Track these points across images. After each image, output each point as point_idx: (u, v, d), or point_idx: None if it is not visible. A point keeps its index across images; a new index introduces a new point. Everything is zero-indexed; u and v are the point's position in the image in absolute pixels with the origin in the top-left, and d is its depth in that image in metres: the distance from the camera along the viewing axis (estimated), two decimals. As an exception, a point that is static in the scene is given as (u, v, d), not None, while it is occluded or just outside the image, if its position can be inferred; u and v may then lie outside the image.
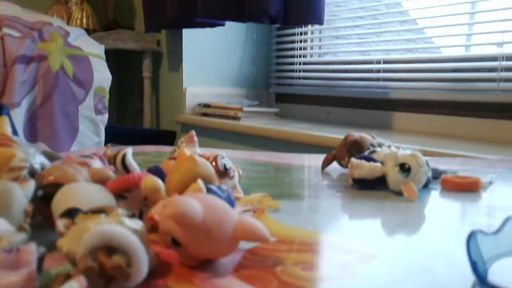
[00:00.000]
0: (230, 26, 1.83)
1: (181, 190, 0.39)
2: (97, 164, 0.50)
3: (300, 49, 1.89)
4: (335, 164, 0.67)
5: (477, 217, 0.45)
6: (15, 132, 1.11)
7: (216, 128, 1.71)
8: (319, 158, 0.71)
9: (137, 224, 0.30)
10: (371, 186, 0.55)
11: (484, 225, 0.42)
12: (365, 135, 0.65)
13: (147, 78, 1.96)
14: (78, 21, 2.01)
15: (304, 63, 1.86)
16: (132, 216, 0.31)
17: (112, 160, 0.48)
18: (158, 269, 0.31)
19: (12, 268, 0.24)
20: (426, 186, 0.55)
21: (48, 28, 1.46)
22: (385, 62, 1.55)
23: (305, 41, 1.88)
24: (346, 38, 1.78)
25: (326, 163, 0.67)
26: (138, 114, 2.12)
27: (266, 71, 2.04)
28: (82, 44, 1.50)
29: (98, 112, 1.48)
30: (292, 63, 1.91)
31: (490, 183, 0.59)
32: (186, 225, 0.30)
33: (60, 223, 0.30)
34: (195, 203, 0.30)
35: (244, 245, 0.35)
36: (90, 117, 1.46)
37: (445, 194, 0.54)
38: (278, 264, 0.32)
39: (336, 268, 0.32)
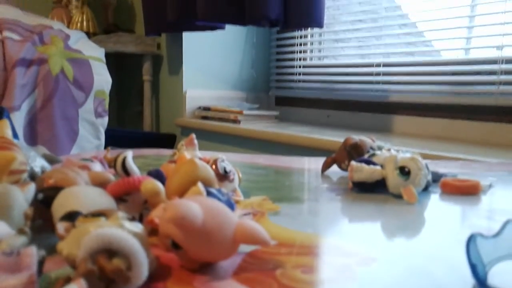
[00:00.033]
0: (230, 30, 1.83)
1: (181, 193, 0.39)
2: (97, 167, 0.50)
3: (300, 52, 1.89)
4: (335, 167, 0.67)
5: (477, 220, 0.45)
6: (15, 135, 1.11)
7: (216, 131, 1.71)
8: (319, 161, 0.71)
9: (137, 227, 0.30)
10: (371, 189, 0.55)
11: (484, 228, 0.42)
12: (365, 138, 0.65)
13: (147, 81, 1.97)
14: (79, 24, 2.01)
15: (304, 66, 1.87)
16: (132, 219, 0.31)
17: (112, 163, 0.48)
18: (158, 272, 0.31)
19: (13, 271, 0.24)
20: (426, 189, 0.55)
21: (49, 32, 1.46)
22: (385, 65, 1.56)
23: (305, 44, 1.88)
24: (346, 41, 1.78)
25: (326, 166, 0.67)
26: (138, 117, 2.13)
27: (266, 74, 2.05)
28: (83, 48, 1.50)
29: (98, 115, 1.48)
30: (292, 66, 1.91)
31: (490, 186, 0.59)
32: (186, 228, 0.30)
33: (61, 226, 0.30)
34: (195, 206, 0.30)
35: (244, 248, 0.35)
36: (90, 120, 1.46)
37: (445, 197, 0.54)
38: (278, 267, 0.32)
39: (336, 271, 0.32)
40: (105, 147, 1.47)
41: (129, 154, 0.45)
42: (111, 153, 0.66)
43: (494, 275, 0.30)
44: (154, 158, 0.78)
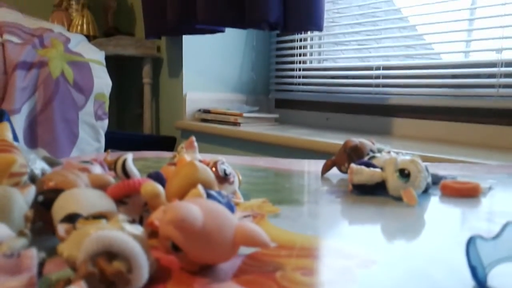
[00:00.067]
0: (230, 33, 1.84)
1: (181, 196, 0.39)
2: (97, 169, 0.50)
3: (300, 55, 1.89)
4: (334, 170, 0.67)
5: (476, 223, 0.45)
6: (15, 138, 1.11)
7: (216, 134, 1.71)
8: (319, 163, 0.71)
9: (138, 229, 0.30)
10: (371, 192, 0.55)
11: (483, 230, 0.42)
12: (365, 141, 0.65)
13: (147, 84, 1.97)
14: (79, 27, 2.02)
15: (304, 69, 1.87)
16: (132, 221, 0.31)
17: (112, 166, 0.48)
18: (158, 274, 0.31)
19: (13, 273, 0.25)
20: (425, 191, 0.55)
21: (49, 35, 1.46)
22: (385, 68, 1.56)
23: (305, 47, 1.89)
24: (345, 44, 1.79)
25: (325, 169, 0.67)
26: (138, 120, 2.13)
27: (266, 77, 2.05)
28: (83, 50, 1.51)
29: (98, 118, 1.48)
30: (292, 69, 1.92)
31: (490, 188, 0.59)
32: (186, 231, 0.30)
33: (61, 228, 0.30)
34: (195, 208, 0.30)
35: (244, 250, 0.35)
36: (90, 123, 1.47)
37: (445, 200, 0.54)
38: (278, 269, 0.32)
39: (336, 274, 0.32)
40: (105, 150, 1.47)
41: (129, 156, 0.45)
42: (111, 155, 0.66)
43: (494, 277, 0.30)
44: (154, 160, 0.78)
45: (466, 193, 0.55)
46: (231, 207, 0.39)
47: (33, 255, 0.26)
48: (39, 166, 0.47)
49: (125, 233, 0.28)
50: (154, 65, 2.01)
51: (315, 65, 1.86)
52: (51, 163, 0.54)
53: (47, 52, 1.40)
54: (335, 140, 1.27)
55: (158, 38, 1.95)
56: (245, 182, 0.61)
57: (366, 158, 0.60)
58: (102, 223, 0.30)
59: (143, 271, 0.27)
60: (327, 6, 1.67)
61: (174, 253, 0.31)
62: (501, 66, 1.24)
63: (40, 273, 0.26)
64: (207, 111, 1.81)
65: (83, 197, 0.36)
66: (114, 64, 2.15)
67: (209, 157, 0.52)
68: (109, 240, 0.26)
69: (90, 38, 1.95)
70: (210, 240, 0.30)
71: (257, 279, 0.31)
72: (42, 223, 0.38)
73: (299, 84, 1.88)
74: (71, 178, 0.40)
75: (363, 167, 0.55)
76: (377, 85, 1.57)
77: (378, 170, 0.55)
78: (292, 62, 1.92)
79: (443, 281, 0.31)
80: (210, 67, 1.92)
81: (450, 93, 1.36)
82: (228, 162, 0.52)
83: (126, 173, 0.44)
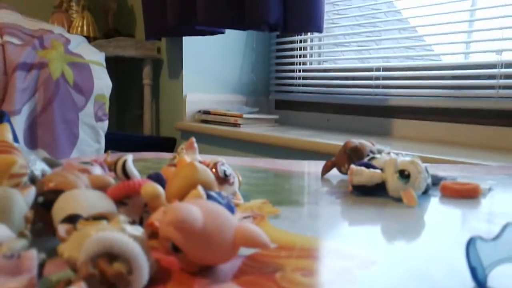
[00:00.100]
0: (230, 34, 1.84)
1: (181, 197, 0.39)
2: (97, 170, 0.50)
3: (300, 56, 1.90)
4: (334, 171, 0.67)
5: (476, 224, 0.45)
6: (15, 139, 1.11)
7: (216, 135, 1.71)
8: (319, 164, 0.71)
9: (138, 230, 0.30)
10: (371, 193, 0.55)
11: (483, 231, 0.42)
12: (365, 142, 0.65)
13: (147, 85, 1.97)
14: (79, 28, 2.02)
15: (304, 71, 1.87)
16: (132, 222, 0.31)
17: (112, 167, 0.48)
18: (159, 275, 0.31)
19: (13, 274, 0.25)
20: (425, 192, 0.55)
21: (49, 36, 1.47)
22: (385, 69, 1.56)
23: (305, 48, 1.89)
24: (345, 45, 1.79)
25: (325, 170, 0.67)
26: (138, 121, 2.13)
27: (266, 78, 2.05)
28: (83, 52, 1.51)
29: (98, 119, 1.48)
30: (292, 71, 1.92)
31: (490, 189, 0.59)
32: (186, 232, 0.30)
33: (62, 229, 0.30)
34: (195, 209, 0.30)
35: (244, 251, 0.35)
36: (90, 124, 1.47)
37: (445, 201, 0.54)
38: (278, 270, 0.32)
39: (335, 274, 0.32)
40: (105, 151, 1.47)
41: (129, 157, 0.45)
42: (111, 156, 0.66)
43: (493, 278, 0.30)
44: (154, 161, 0.78)
45: (466, 194, 0.55)
46: (231, 208, 0.39)
47: (33, 256, 0.26)
48: (39, 167, 0.47)
49: (125, 234, 0.28)
50: (154, 66, 2.01)
51: (315, 66, 1.86)
52: (51, 164, 0.54)
53: (47, 54, 1.40)
54: (335, 141, 1.27)
55: (158, 39, 1.95)
56: (245, 183, 0.61)
57: (366, 159, 0.60)
58: (103, 224, 0.30)
59: (144, 272, 0.27)
60: (327, 7, 1.67)
61: (174, 254, 0.31)
62: (501, 67, 1.24)
63: (40, 274, 0.26)
64: (207, 112, 1.81)
65: (83, 198, 0.36)
66: (114, 65, 2.15)
67: (209, 158, 0.52)
68: (110, 241, 0.26)
69: (90, 39, 1.96)
70: (210, 241, 0.30)
71: (257, 280, 0.31)
72: (42, 224, 0.38)
73: (299, 85, 1.88)
74: (71, 179, 0.40)
75: (363, 168, 0.55)
76: (377, 86, 1.57)
77: (378, 171, 0.55)
78: (292, 63, 1.92)
79: (443, 282, 0.31)
80: (210, 68, 1.93)
81: (450, 94, 1.36)
82: (228, 163, 0.52)
83: (126, 174, 0.44)
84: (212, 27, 1.67)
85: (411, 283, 0.30)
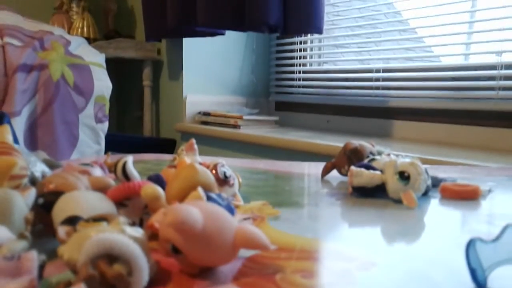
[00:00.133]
0: (230, 35, 1.84)
1: (181, 198, 0.39)
2: (97, 172, 0.50)
3: (300, 57, 1.90)
4: (334, 172, 0.67)
5: (476, 225, 0.45)
6: (16, 140, 1.11)
7: (216, 136, 1.71)
8: (319, 166, 0.71)
9: (138, 232, 0.30)
10: (371, 194, 0.55)
11: (483, 233, 0.42)
12: (365, 143, 0.65)
13: (147, 87, 1.97)
14: (79, 30, 2.02)
15: (304, 72, 1.87)
16: (132, 224, 0.31)
17: (112, 168, 0.48)
18: (159, 277, 0.31)
19: (13, 275, 0.25)
20: (425, 194, 0.55)
21: (49, 37, 1.47)
22: (385, 70, 1.56)
23: (305, 50, 1.89)
24: (345, 47, 1.79)
25: (325, 171, 0.67)
26: (138, 123, 2.13)
27: (266, 79, 2.05)
28: (83, 53, 1.51)
29: (98, 120, 1.48)
30: (292, 72, 1.92)
31: (489, 191, 0.59)
32: (186, 233, 0.30)
33: (62, 230, 0.30)
34: (195, 211, 0.30)
35: (244, 253, 0.35)
36: (91, 125, 1.47)
37: (445, 202, 0.54)
38: (278, 272, 0.32)
39: (335, 276, 0.32)
40: (105, 152, 1.47)
41: (129, 159, 0.45)
42: (111, 158, 0.66)
43: (493, 280, 0.30)
44: (154, 163, 0.78)
45: (466, 196, 0.55)
46: (231, 210, 0.39)
47: (34, 257, 0.26)
48: (39, 168, 0.47)
49: (125, 236, 0.28)
50: (154, 67, 2.01)
51: (315, 67, 1.86)
52: (51, 165, 0.54)
53: (47, 55, 1.40)
54: (335, 142, 1.27)
55: (158, 40, 1.95)
56: (245, 185, 0.61)
57: (366, 161, 0.60)
58: (103, 226, 0.30)
59: (143, 274, 0.27)
60: (327, 8, 1.67)
61: (174, 255, 0.31)
62: (501, 69, 1.25)
63: (40, 275, 0.26)
64: (207, 114, 1.81)
65: (83, 200, 0.36)
66: (114, 66, 2.15)
67: (209, 159, 0.52)
68: (110, 243, 0.26)
69: (90, 40, 1.96)
70: (210, 243, 0.30)
71: (257, 281, 0.31)
72: (42, 226, 0.38)
73: (299, 86, 1.88)
74: (71, 180, 0.40)
75: (363, 169, 0.55)
76: (377, 88, 1.57)
77: (378, 172, 0.55)
78: (292, 65, 1.92)
79: (443, 283, 0.31)
80: (210, 69, 1.93)
81: (450, 95, 1.36)
82: (228, 164, 0.52)
83: (126, 176, 0.44)
84: (212, 29, 1.67)
85: (411, 284, 0.31)
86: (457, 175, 0.70)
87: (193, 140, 0.60)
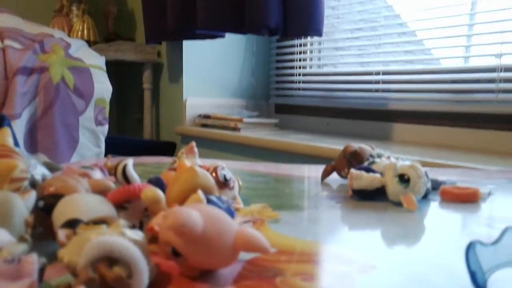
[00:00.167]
0: (230, 38, 1.84)
1: (182, 201, 0.39)
2: (97, 175, 0.50)
3: (300, 60, 1.90)
4: (334, 175, 0.67)
5: (476, 228, 0.45)
6: (16, 143, 1.11)
7: (216, 139, 1.71)
8: (319, 169, 0.71)
9: (138, 235, 0.30)
10: (371, 197, 0.55)
11: (483, 235, 0.42)
12: (365, 146, 0.65)
13: (147, 89, 1.97)
14: (79, 33, 2.02)
15: (304, 74, 1.87)
16: (132, 226, 0.31)
17: (112, 171, 0.48)
18: (159, 280, 0.31)
19: (14, 278, 0.25)
20: (425, 197, 0.55)
21: (50, 40, 1.47)
22: (384, 73, 1.56)
23: (305, 52, 1.89)
24: (345, 49, 1.79)
25: (325, 174, 0.67)
26: (138, 125, 2.13)
27: (266, 82, 2.05)
28: (83, 56, 1.51)
29: (98, 123, 1.49)
30: (292, 75, 1.92)
31: (489, 194, 0.59)
32: (186, 236, 0.30)
33: (61, 233, 0.30)
34: (195, 214, 0.30)
35: (244, 255, 0.35)
36: (91, 128, 1.47)
37: (445, 205, 0.54)
38: (278, 274, 0.32)
39: (335, 279, 0.32)
40: (105, 155, 1.48)
41: (129, 162, 0.45)
42: (112, 161, 0.66)
43: (493, 282, 0.30)
44: (154, 166, 0.78)
45: (466, 199, 0.55)
46: (231, 213, 0.39)
47: (34, 260, 0.26)
48: (39, 171, 0.47)
49: (125, 239, 0.28)
50: (154, 70, 2.01)
51: (315, 70, 1.87)
52: (52, 168, 0.54)
53: (47, 58, 1.40)
54: (335, 145, 1.28)
55: (159, 43, 1.95)
56: (245, 188, 0.61)
57: (365, 164, 0.60)
58: (103, 229, 0.30)
59: (143, 277, 0.27)
60: (327, 11, 1.68)
61: (174, 258, 0.31)
62: (501, 71, 1.25)
63: (40, 278, 0.26)
64: (207, 116, 1.81)
65: (83, 203, 0.36)
66: (114, 69, 2.15)
67: (209, 162, 0.52)
68: (110, 246, 0.26)
69: (90, 43, 1.96)
70: (210, 246, 0.30)
71: (257, 284, 0.31)
72: (42, 229, 0.38)
73: (299, 89, 1.89)
74: (72, 183, 0.40)
75: (362, 172, 0.55)
76: (377, 90, 1.57)
77: (377, 175, 0.55)
78: (292, 67, 1.92)
79: (443, 286, 0.31)
80: (210, 72, 1.93)
81: (449, 98, 1.37)
82: (228, 167, 0.52)
83: (126, 178, 0.44)
84: (212, 31, 1.67)
85: (411, 287, 0.31)
86: (457, 178, 0.70)
87: (193, 143, 0.60)
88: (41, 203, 0.38)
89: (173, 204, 0.37)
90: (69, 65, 1.43)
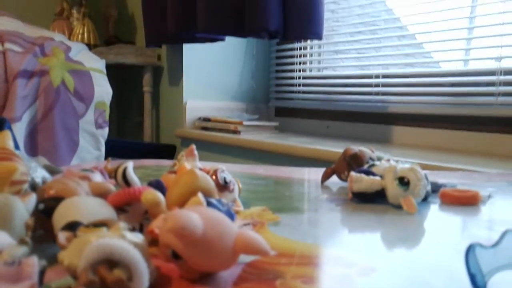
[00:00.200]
0: (230, 41, 1.85)
1: (182, 204, 0.39)
2: (97, 177, 0.50)
3: (300, 63, 1.90)
4: (334, 178, 0.67)
5: (476, 231, 0.45)
6: (16, 146, 1.11)
7: (216, 142, 1.71)
8: (319, 171, 0.71)
9: (138, 237, 0.30)
10: (371, 200, 0.55)
11: (483, 238, 0.42)
12: (365, 149, 0.65)
13: (147, 93, 1.97)
14: (80, 36, 2.03)
15: (304, 78, 1.88)
16: (132, 229, 0.31)
17: (112, 174, 0.48)
18: (159, 282, 0.31)
19: (14, 281, 0.25)
20: (425, 199, 0.55)
21: (50, 43, 1.47)
22: (384, 76, 1.56)
23: (305, 56, 1.89)
24: (345, 53, 1.79)
25: (325, 177, 0.67)
26: (138, 128, 2.13)
27: (266, 85, 2.06)
28: (83, 59, 1.51)
29: (98, 126, 1.49)
30: (292, 78, 1.92)
31: (489, 196, 0.59)
32: (187, 239, 0.30)
33: (62, 236, 0.30)
34: (195, 216, 0.30)
35: (244, 258, 0.35)
36: (91, 131, 1.47)
37: (444, 208, 0.54)
38: (278, 277, 0.32)
39: (335, 282, 0.32)
40: (106, 158, 1.48)
41: (129, 164, 0.45)
42: (112, 163, 0.66)
43: (493, 285, 0.30)
44: (155, 168, 0.78)
45: (466, 201, 0.55)
46: (231, 215, 0.39)
47: (34, 263, 0.26)
48: (40, 174, 0.47)
49: (125, 241, 0.28)
50: (154, 73, 2.02)
51: (315, 73, 1.87)
52: (52, 171, 0.54)
53: (48, 61, 1.40)
54: (335, 148, 1.28)
55: (159, 46, 1.95)
56: (245, 190, 0.61)
57: (365, 166, 0.60)
58: (103, 231, 0.30)
59: (144, 279, 0.27)
60: (326, 14, 1.68)
61: (174, 261, 0.31)
62: (500, 74, 1.25)
63: (41, 281, 0.26)
64: (207, 119, 1.81)
65: (83, 205, 0.36)
66: (114, 72, 2.15)
67: (209, 165, 0.53)
68: (110, 248, 0.26)
69: (90, 46, 1.96)
70: (210, 248, 0.30)
71: (257, 287, 0.31)
72: (43, 231, 0.38)
73: (299, 92, 1.89)
74: (72, 186, 0.40)
75: (362, 175, 0.55)
76: (377, 93, 1.57)
77: (377, 178, 0.55)
78: (292, 71, 1.93)
79: (443, 289, 0.31)
80: (210, 75, 1.93)
81: (449, 101, 1.37)
82: (228, 170, 0.52)
83: (126, 181, 0.44)
84: (212, 34, 1.68)
85: (411, 290, 0.31)
86: (457, 181, 0.70)
87: (193, 146, 0.60)
88: (41, 206, 0.38)
89: (173, 207, 0.37)
90: (69, 68, 1.44)
